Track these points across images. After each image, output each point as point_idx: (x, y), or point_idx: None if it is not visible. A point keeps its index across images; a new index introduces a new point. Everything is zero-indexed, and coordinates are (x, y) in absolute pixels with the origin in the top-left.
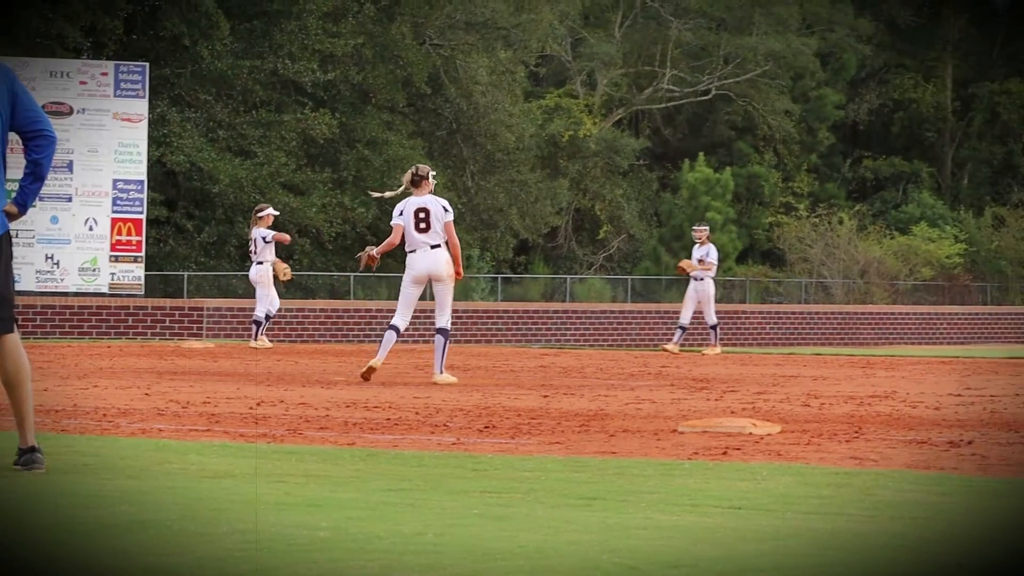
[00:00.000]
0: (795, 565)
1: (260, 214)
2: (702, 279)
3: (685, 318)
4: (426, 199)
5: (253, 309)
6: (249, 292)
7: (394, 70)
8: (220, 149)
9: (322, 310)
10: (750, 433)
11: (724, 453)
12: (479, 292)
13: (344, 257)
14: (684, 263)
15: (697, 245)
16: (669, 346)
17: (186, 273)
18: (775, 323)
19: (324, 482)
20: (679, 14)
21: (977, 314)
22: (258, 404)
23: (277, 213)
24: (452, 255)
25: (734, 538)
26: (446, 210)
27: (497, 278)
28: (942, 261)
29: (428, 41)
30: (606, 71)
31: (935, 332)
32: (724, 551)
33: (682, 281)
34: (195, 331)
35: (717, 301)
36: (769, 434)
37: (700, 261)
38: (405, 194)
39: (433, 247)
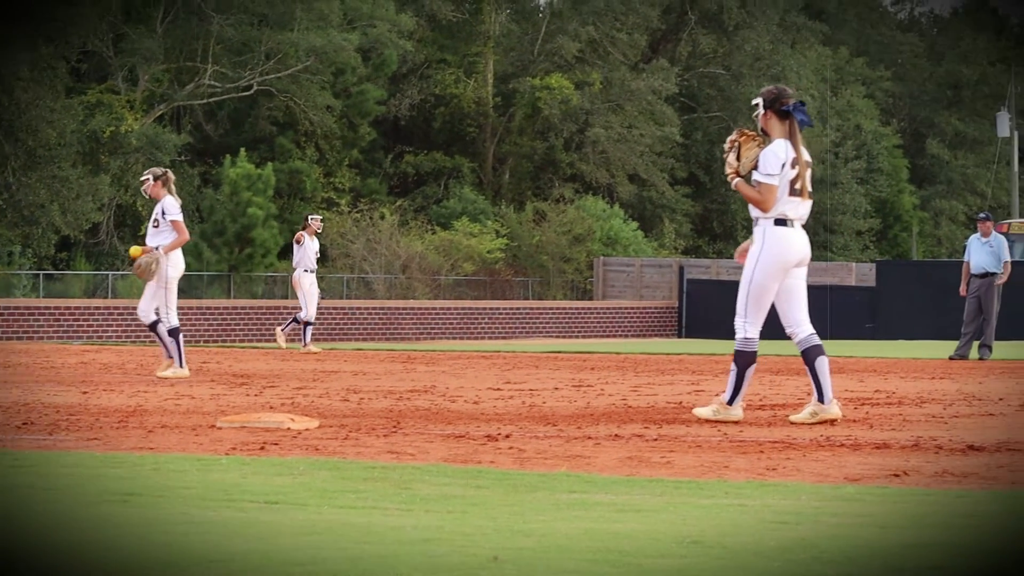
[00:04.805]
0: (331, 558)
1: None
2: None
3: (311, 312)
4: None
5: None
6: None
7: None
8: None
9: None
10: (288, 428)
11: (262, 448)
12: (20, 289)
13: None
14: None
15: (307, 236)
16: (312, 347)
17: None
18: (317, 319)
19: None
20: (221, 9)
21: (519, 308)
22: None
23: None
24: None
25: (271, 532)
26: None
27: (39, 275)
28: (484, 256)
29: None
30: (148, 67)
31: (477, 327)
32: (260, 545)
33: (222, 279)
34: None
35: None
36: (307, 429)
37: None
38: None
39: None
